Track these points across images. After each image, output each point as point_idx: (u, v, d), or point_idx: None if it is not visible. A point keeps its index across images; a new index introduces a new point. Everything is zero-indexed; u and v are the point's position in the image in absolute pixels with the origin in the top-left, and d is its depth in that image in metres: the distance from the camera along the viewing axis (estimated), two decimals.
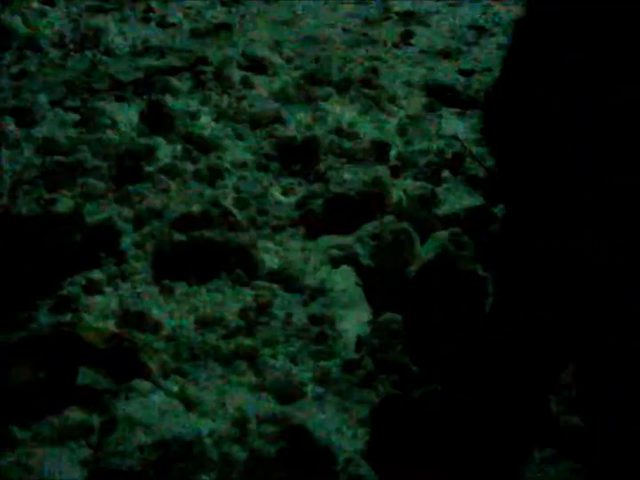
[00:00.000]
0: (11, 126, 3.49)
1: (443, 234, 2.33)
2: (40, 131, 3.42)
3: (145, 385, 2.03)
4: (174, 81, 3.81)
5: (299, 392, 2.12)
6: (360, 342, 2.28)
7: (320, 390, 2.15)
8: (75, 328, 2.31)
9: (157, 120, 3.38)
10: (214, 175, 3.01)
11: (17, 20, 4.49)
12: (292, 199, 2.91)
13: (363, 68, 3.99)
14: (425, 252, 2.38)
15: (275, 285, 2.50)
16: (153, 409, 1.91)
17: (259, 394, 2.13)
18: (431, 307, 2.26)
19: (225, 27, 4.90)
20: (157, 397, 1.99)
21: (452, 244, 2.28)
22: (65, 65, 4.24)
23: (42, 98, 3.67)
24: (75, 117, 3.54)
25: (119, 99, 3.76)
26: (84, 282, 2.53)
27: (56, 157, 3.04)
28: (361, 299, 2.48)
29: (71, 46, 4.42)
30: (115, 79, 4.02)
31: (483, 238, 2.62)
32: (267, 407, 2.06)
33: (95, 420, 1.96)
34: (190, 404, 2.02)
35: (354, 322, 2.38)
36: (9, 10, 4.60)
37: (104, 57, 4.28)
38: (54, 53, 4.36)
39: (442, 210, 2.61)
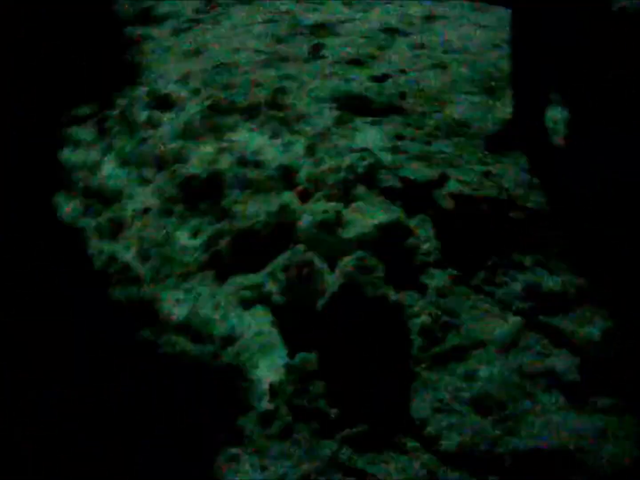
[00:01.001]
0: None
1: (348, 260, 2.17)
2: None
3: None
4: (76, 132, 3.64)
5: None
6: (274, 389, 2.12)
7: (234, 451, 1.98)
8: None
9: (56, 175, 3.20)
10: (115, 228, 2.83)
11: None
12: (199, 241, 2.74)
13: (271, 90, 3.83)
14: (331, 282, 2.22)
15: (182, 339, 2.33)
16: None
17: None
18: (342, 342, 2.09)
19: (133, 66, 4.74)
20: None
21: (359, 269, 2.12)
22: None
23: None
24: None
25: None
26: None
27: None
28: (277, 340, 2.32)
29: None
30: None
31: (396, 255, 2.48)
32: None
33: None
34: None
35: (268, 368, 2.22)
36: None
37: None
38: None
39: (351, 232, 2.44)
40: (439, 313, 2.34)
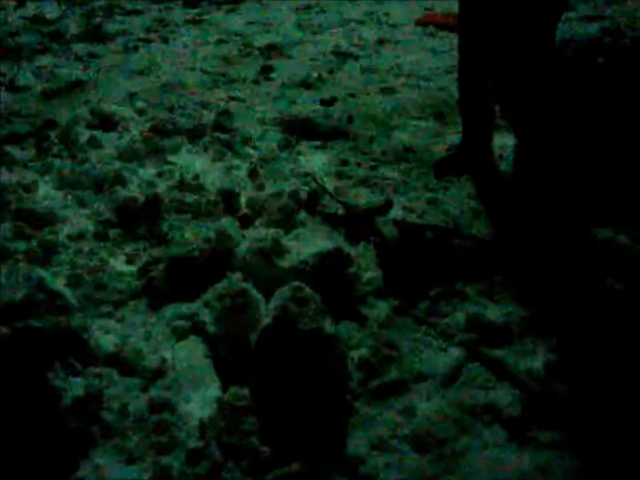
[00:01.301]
0: None
1: (283, 291, 2.08)
2: None
3: None
4: (12, 151, 3.51)
5: None
6: (203, 425, 2.01)
7: None
8: None
9: None
10: (47, 253, 2.71)
11: None
12: (134, 268, 2.63)
13: (217, 111, 3.76)
14: (264, 313, 2.13)
15: (110, 371, 2.22)
16: None
17: None
18: (275, 377, 2.00)
19: (79, 84, 4.63)
20: None
21: (293, 301, 2.03)
22: None
23: None
24: None
25: None
26: None
27: None
28: (209, 373, 2.22)
29: None
30: None
31: (336, 284, 2.40)
32: None
33: None
34: None
35: (199, 402, 2.11)
36: None
37: None
38: None
39: (289, 260, 2.36)
40: (378, 346, 2.26)
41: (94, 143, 3.58)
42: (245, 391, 2.06)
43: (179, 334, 2.33)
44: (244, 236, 2.62)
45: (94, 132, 3.69)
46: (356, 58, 4.67)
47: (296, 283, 2.11)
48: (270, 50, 4.85)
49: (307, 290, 2.10)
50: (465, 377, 2.20)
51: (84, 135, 3.70)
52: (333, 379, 2.05)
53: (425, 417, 2.08)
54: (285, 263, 2.33)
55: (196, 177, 3.02)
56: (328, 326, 2.06)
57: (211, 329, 2.32)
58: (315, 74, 4.35)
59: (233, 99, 4.03)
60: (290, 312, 2.02)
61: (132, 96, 4.29)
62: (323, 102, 3.91)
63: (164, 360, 2.24)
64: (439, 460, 1.97)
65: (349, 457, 1.98)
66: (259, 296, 2.23)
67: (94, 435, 2.03)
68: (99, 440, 2.02)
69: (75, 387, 2.13)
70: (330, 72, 4.43)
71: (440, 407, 2.09)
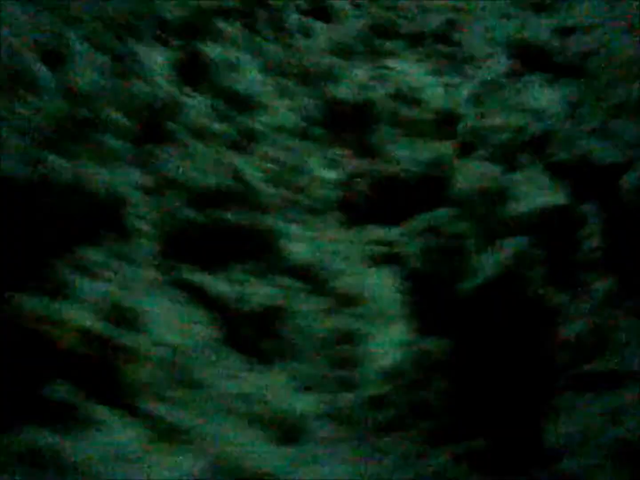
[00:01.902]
0: (37, 65, 3.09)
1: (509, 245, 1.81)
2: (63, 71, 3.01)
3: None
4: (221, 25, 3.33)
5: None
6: (390, 371, 1.81)
7: (327, 431, 1.70)
8: (54, 326, 1.93)
9: (192, 70, 2.92)
10: (245, 140, 2.54)
11: None
12: (334, 175, 2.42)
13: (440, 19, 3.42)
14: (485, 265, 1.87)
15: (298, 284, 2.05)
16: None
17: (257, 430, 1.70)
18: (483, 339, 1.76)
19: None
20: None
21: (519, 260, 1.76)
22: None
23: (72, 34, 3.25)
24: (104, 59, 3.11)
25: (159, 41, 3.31)
26: (76, 262, 2.13)
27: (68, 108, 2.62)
28: (401, 311, 2.00)
29: None
30: (159, 18, 3.56)
31: (562, 247, 2.10)
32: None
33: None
34: None
35: (387, 342, 1.91)
36: None
37: None
38: None
39: (515, 208, 2.07)
40: (597, 326, 1.96)
41: (305, 31, 3.35)
42: (445, 343, 1.83)
43: (374, 261, 2.13)
44: (460, 167, 2.35)
45: (307, 19, 3.45)
46: None
47: (522, 238, 1.84)
48: None
49: (536, 250, 1.82)
50: None
51: (295, 20, 3.47)
52: (541, 357, 1.79)
53: (637, 423, 1.79)
54: (510, 210, 2.05)
55: (414, 89, 2.73)
56: (552, 295, 1.79)
57: (412, 263, 2.09)
58: None
59: (458, 8, 3.67)
60: (516, 273, 1.75)
61: None
62: (559, 31, 3.47)
63: (355, 286, 2.05)
64: None
65: (546, 449, 1.73)
66: (478, 242, 1.97)
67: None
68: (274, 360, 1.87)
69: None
70: None
71: None
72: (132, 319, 1.98)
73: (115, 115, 2.69)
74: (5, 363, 1.85)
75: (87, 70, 3.05)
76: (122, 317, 1.98)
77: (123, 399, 1.79)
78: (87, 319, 1.97)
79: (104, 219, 2.27)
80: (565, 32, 3.46)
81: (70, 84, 2.95)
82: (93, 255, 2.17)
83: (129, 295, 2.07)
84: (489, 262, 1.84)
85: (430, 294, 2.00)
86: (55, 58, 3.18)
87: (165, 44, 3.27)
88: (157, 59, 3.04)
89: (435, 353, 1.81)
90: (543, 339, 1.77)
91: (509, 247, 1.80)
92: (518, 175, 2.33)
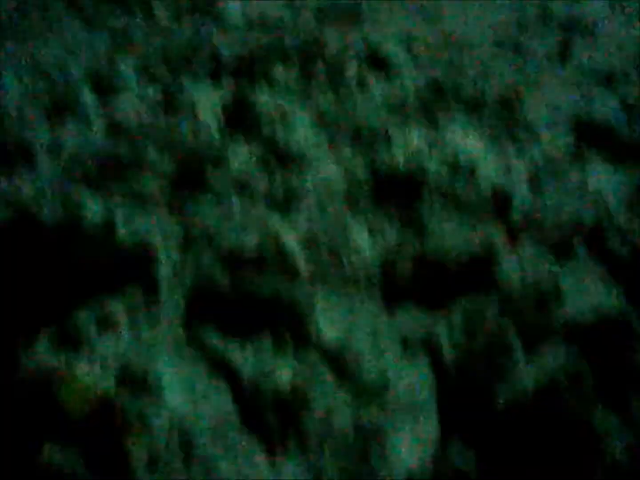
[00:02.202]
0: (85, 92, 3.04)
1: (557, 353, 1.67)
2: (111, 103, 2.95)
3: None
4: (276, 66, 3.26)
5: None
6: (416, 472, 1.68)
7: None
8: (63, 382, 1.84)
9: (242, 115, 2.84)
10: (287, 199, 2.45)
11: None
12: (376, 247, 2.30)
13: (503, 86, 3.30)
14: (526, 372, 1.73)
15: (324, 367, 1.93)
16: None
17: None
18: (515, 456, 1.62)
19: (354, 10, 4.31)
20: None
21: (565, 372, 1.62)
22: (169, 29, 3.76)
23: (126, 62, 3.20)
24: (154, 92, 3.05)
25: (212, 79, 3.24)
26: (97, 314, 2.05)
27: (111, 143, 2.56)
28: (431, 407, 1.87)
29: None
30: (216, 54, 3.50)
31: (615, 360, 1.95)
32: None
33: None
34: None
35: (411, 440, 1.78)
36: None
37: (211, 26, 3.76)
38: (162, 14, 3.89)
39: (563, 311, 1.93)
40: None
41: (362, 83, 3.26)
42: (470, 454, 1.70)
43: (408, 347, 2.00)
44: (510, 255, 2.21)
45: (365, 71, 3.36)
46: None
47: (574, 348, 1.70)
48: (570, 22, 4.26)
49: (584, 363, 1.68)
50: None
51: (353, 69, 3.38)
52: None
53: None
54: (559, 312, 1.91)
55: (469, 161, 2.61)
56: (600, 417, 1.64)
57: (445, 353, 1.96)
58: (618, 66, 3.74)
59: (521, 75, 3.54)
60: (559, 386, 1.61)
61: (408, 39, 3.90)
62: (625, 106, 3.33)
63: (384, 373, 1.92)
64: None
65: None
66: (519, 342, 1.83)
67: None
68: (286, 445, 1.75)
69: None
70: (638, 67, 3.80)
71: None
72: (146, 383, 1.88)
73: (158, 155, 2.62)
74: (8, 416, 1.76)
75: (135, 103, 2.99)
76: (136, 379, 1.88)
77: (125, 475, 1.69)
78: (98, 378, 1.88)
79: (131, 270, 2.18)
80: (632, 107, 3.32)
81: (116, 117, 2.90)
82: (115, 308, 2.08)
83: (146, 355, 1.98)
84: (531, 369, 1.71)
85: (463, 394, 1.87)
86: (105, 87, 3.13)
87: (218, 83, 3.21)
88: (207, 100, 2.97)
89: (456, 460, 1.68)
90: (584, 465, 1.62)
91: (556, 355, 1.67)
92: (570, 269, 2.19)
